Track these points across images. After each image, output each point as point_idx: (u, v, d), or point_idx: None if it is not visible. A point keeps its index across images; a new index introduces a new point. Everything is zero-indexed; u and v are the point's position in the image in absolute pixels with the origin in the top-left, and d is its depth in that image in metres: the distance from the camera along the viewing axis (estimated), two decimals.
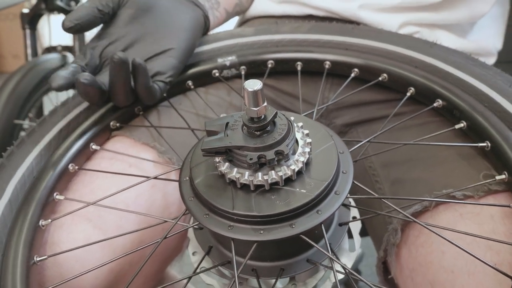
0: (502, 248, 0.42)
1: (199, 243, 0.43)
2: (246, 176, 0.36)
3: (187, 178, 0.40)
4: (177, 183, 0.41)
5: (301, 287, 0.42)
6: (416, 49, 0.56)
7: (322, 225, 0.37)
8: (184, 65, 0.57)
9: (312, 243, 0.36)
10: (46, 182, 0.48)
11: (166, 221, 0.45)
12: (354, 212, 0.45)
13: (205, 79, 0.62)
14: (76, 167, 0.51)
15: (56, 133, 0.52)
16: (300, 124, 0.40)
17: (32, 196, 0.46)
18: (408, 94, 0.54)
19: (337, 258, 0.39)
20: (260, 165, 0.37)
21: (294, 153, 0.38)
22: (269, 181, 0.36)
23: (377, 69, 0.56)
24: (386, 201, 0.43)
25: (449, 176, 0.50)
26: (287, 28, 0.63)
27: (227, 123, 0.38)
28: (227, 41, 0.63)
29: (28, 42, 1.51)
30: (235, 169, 0.37)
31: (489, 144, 0.46)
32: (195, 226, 0.43)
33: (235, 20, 0.83)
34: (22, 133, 1.29)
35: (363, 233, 0.48)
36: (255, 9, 0.77)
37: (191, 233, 0.46)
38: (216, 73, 0.61)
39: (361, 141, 0.47)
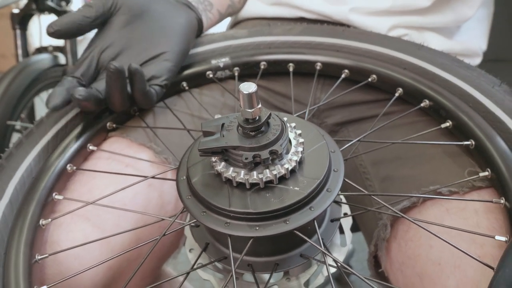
0: (486, 242, 0.44)
1: (195, 240, 0.44)
2: (241, 175, 0.38)
3: (184, 177, 0.41)
4: (173, 183, 0.42)
5: (295, 281, 0.44)
6: (405, 51, 0.57)
7: (315, 221, 0.39)
8: (179, 68, 0.57)
9: (306, 238, 0.38)
10: (45, 182, 0.48)
11: (163, 219, 0.46)
12: (345, 208, 0.47)
13: (199, 80, 0.63)
14: (74, 167, 0.52)
15: (54, 135, 0.52)
16: (293, 124, 0.41)
17: (32, 196, 0.47)
18: (397, 94, 0.55)
19: (329, 252, 0.41)
20: (255, 164, 0.38)
21: (287, 152, 0.39)
22: (264, 180, 0.37)
23: (367, 70, 0.57)
24: (376, 198, 0.44)
25: (436, 173, 0.52)
26: (280, 30, 0.64)
27: (223, 124, 0.39)
28: (220, 43, 0.64)
29: (19, 42, 1.50)
30: (231, 168, 0.38)
31: (473, 143, 0.48)
32: (192, 224, 0.44)
33: (227, 21, 0.83)
34: (15, 134, 1.29)
35: (354, 228, 0.50)
36: (248, 10, 0.78)
37: (187, 231, 0.47)
38: (210, 74, 0.62)
39: (352, 140, 0.49)
